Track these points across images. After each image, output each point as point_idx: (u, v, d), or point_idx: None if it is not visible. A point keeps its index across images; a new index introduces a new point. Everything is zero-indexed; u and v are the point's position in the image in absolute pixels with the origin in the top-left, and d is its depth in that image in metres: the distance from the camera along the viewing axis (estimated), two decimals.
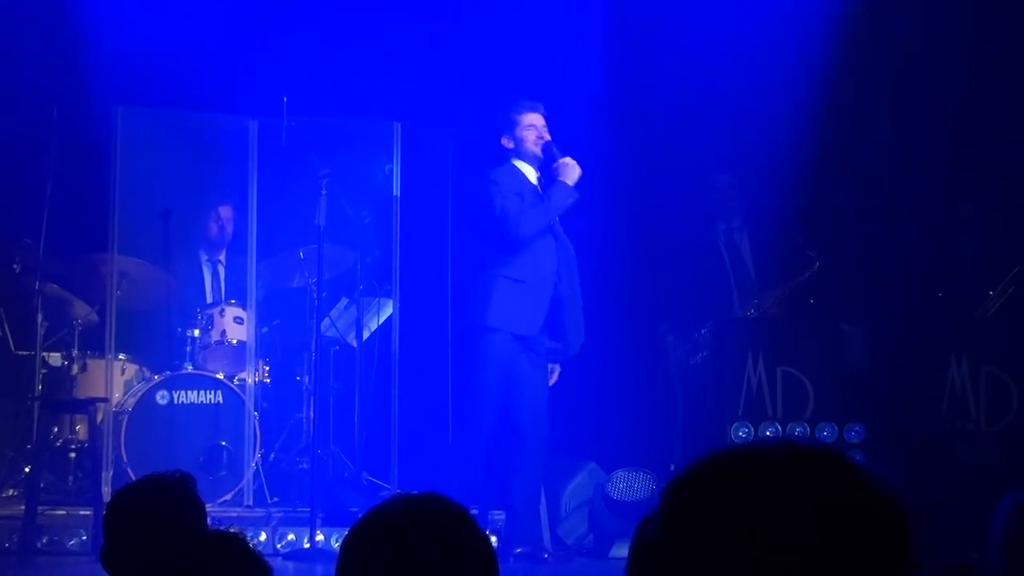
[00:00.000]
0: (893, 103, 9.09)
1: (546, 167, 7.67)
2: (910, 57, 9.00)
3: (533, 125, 7.70)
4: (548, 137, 7.70)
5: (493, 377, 7.49)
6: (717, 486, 1.44)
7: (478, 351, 7.57)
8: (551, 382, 7.77)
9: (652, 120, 9.19)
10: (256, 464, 8.29)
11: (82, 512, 7.77)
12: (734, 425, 8.07)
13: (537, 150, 7.66)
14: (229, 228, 9.01)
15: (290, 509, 8.11)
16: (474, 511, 7.70)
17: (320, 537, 7.55)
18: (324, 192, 7.82)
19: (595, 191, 8.03)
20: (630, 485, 8.33)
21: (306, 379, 8.69)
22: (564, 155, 7.63)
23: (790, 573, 1.38)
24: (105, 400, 8.10)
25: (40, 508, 7.65)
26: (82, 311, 8.48)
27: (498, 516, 7.81)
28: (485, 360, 7.53)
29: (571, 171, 7.59)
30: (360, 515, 2.10)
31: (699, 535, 1.42)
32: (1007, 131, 8.86)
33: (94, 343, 8.41)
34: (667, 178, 9.10)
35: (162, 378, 8.32)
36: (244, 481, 8.22)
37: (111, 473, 7.95)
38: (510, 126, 7.72)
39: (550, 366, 7.77)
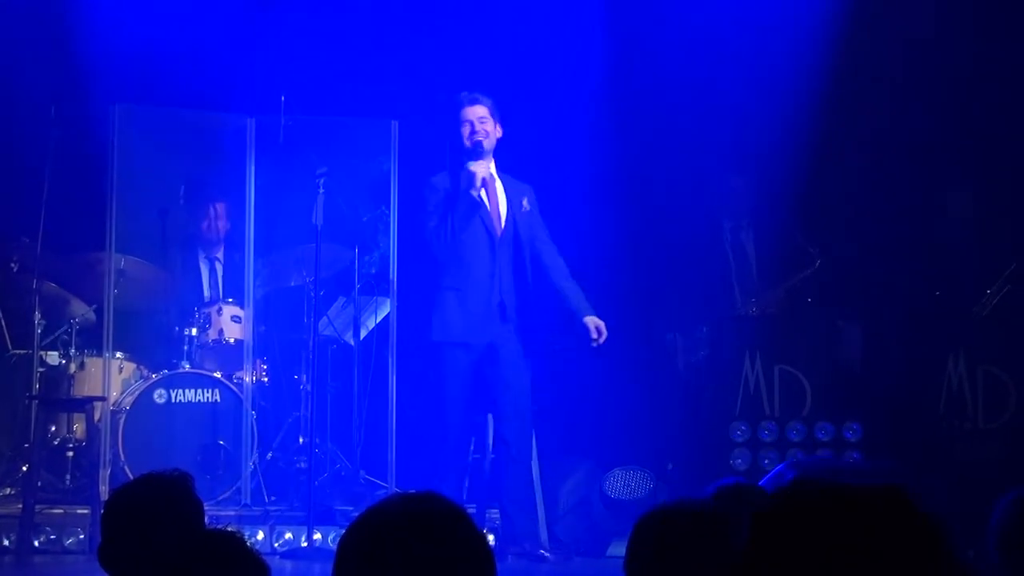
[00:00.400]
0: (892, 102, 9.08)
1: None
2: (911, 55, 8.99)
3: (468, 120, 7.60)
4: (486, 130, 7.56)
5: (450, 389, 7.51)
6: (795, 521, 1.67)
7: (431, 366, 7.60)
8: (600, 336, 7.69)
9: (653, 118, 9.17)
10: (254, 463, 8.28)
11: (79, 511, 7.77)
12: (732, 424, 8.08)
13: (470, 146, 7.59)
14: (223, 225, 9.00)
15: (288, 508, 8.11)
16: (471, 508, 7.66)
17: (317, 536, 7.54)
18: (321, 191, 7.80)
19: (596, 189, 8.02)
20: (627, 484, 8.33)
21: (304, 378, 8.68)
22: (481, 157, 7.55)
23: None
24: (103, 399, 8.09)
25: (38, 507, 7.65)
26: (80, 309, 8.48)
27: (495, 515, 7.82)
28: (438, 374, 7.55)
29: (473, 180, 7.48)
30: (357, 514, 2.10)
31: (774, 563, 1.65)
32: (1006, 130, 8.85)
33: (92, 342, 8.41)
34: (669, 176, 9.09)
35: (160, 377, 8.32)
36: (242, 480, 8.22)
37: (108, 472, 7.93)
38: (456, 127, 7.69)
39: (592, 322, 7.69)
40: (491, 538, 7.46)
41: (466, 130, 7.59)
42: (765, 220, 8.87)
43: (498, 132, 7.66)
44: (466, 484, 7.95)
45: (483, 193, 7.58)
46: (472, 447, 8.01)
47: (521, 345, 7.62)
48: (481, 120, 7.59)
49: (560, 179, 8.34)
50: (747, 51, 8.95)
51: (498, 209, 7.67)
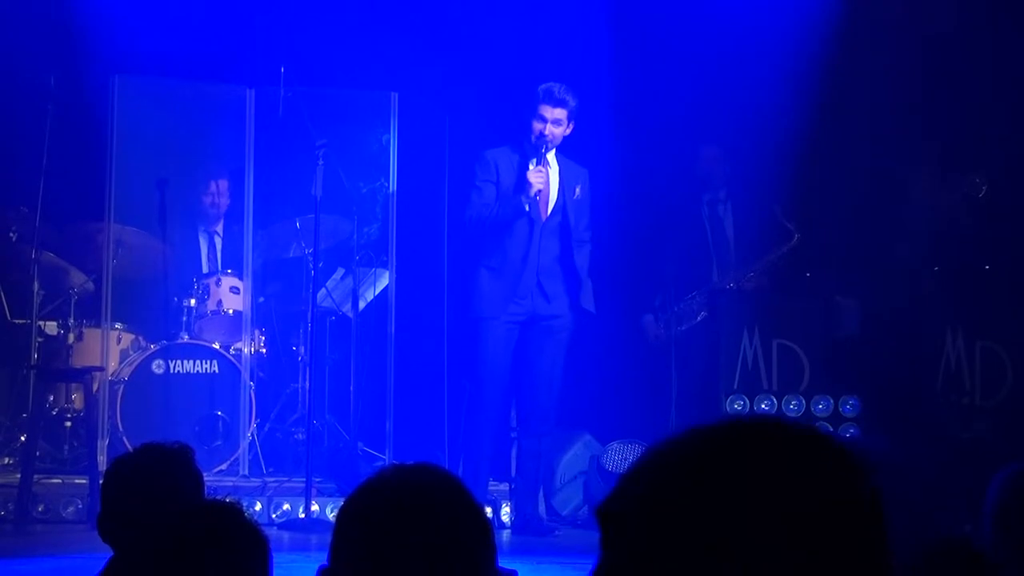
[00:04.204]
0: (892, 76, 9.06)
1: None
2: (906, 34, 8.97)
3: (542, 117, 7.58)
4: (554, 132, 7.56)
5: (489, 362, 7.53)
6: (683, 468, 1.32)
7: (471, 341, 7.64)
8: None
9: (643, 94, 9.14)
10: (252, 434, 8.30)
11: (77, 481, 7.80)
12: (729, 398, 8.09)
13: (534, 141, 7.57)
14: (224, 201, 9.00)
15: (285, 479, 8.13)
16: (502, 487, 7.61)
17: (315, 507, 7.56)
18: (321, 162, 7.80)
19: (584, 165, 8.00)
20: (625, 457, 8.34)
21: (302, 349, 8.70)
22: (541, 163, 7.55)
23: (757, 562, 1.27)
24: (101, 369, 8.11)
25: (36, 476, 7.68)
26: (78, 280, 8.48)
27: (495, 487, 7.85)
28: (476, 348, 7.59)
29: (530, 188, 7.47)
30: (355, 485, 2.11)
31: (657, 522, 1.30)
32: (1008, 107, 8.84)
33: (90, 312, 8.41)
34: (655, 151, 9.05)
35: (158, 347, 8.33)
36: (240, 451, 8.24)
37: (106, 442, 7.97)
38: (530, 109, 7.65)
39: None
40: (488, 510, 7.48)
41: (538, 126, 7.56)
42: (750, 194, 8.81)
43: (568, 130, 7.65)
44: (513, 455, 7.97)
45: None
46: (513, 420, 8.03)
47: (574, 324, 7.67)
48: (556, 122, 7.57)
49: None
50: (738, 25, 8.92)
51: (547, 196, 7.65)
